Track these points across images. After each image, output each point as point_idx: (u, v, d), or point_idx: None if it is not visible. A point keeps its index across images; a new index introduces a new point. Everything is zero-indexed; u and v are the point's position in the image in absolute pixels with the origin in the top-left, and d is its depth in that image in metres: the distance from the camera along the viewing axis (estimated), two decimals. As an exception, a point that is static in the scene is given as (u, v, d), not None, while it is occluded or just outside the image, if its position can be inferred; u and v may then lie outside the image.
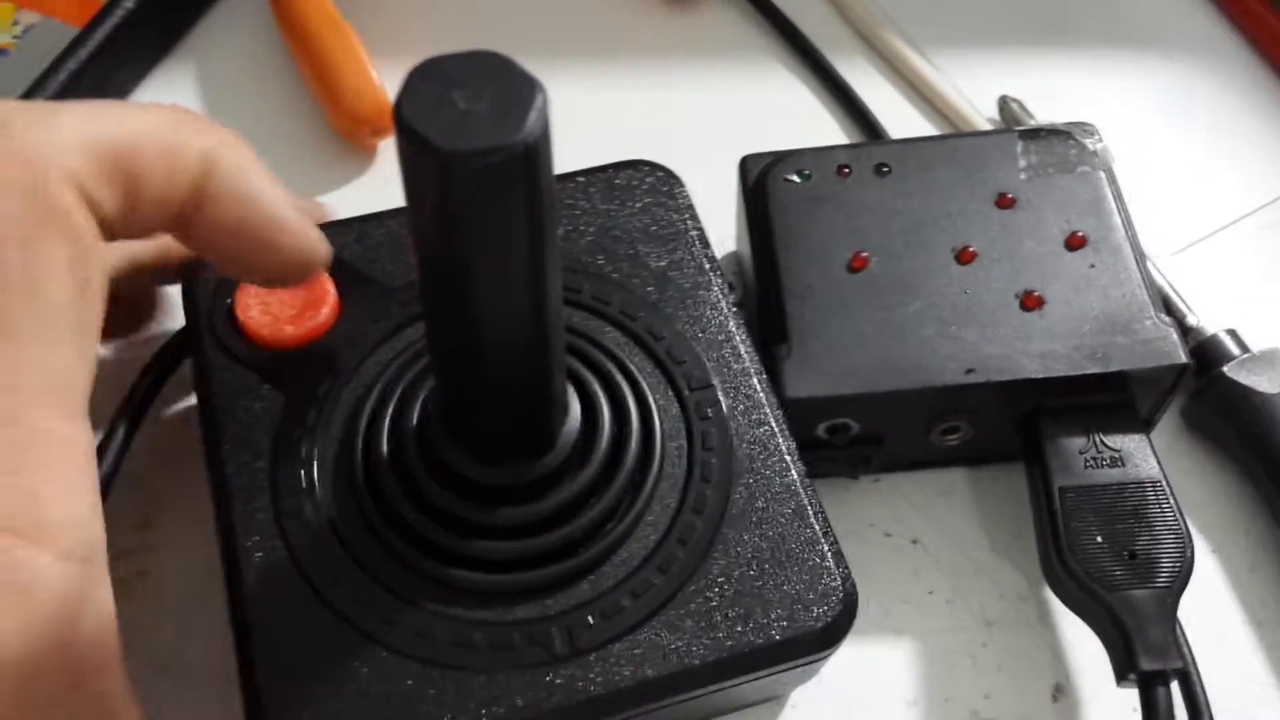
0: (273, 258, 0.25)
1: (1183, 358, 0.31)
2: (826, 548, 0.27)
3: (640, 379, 0.28)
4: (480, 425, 0.25)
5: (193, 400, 0.30)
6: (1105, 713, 0.31)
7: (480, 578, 0.25)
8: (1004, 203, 0.34)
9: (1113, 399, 0.32)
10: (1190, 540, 0.30)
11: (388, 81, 0.40)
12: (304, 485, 0.27)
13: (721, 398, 0.29)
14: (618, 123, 0.42)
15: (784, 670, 0.26)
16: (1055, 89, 0.44)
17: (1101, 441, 0.31)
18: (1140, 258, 0.33)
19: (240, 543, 0.26)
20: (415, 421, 0.27)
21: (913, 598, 0.32)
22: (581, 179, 0.32)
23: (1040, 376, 0.31)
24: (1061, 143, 0.35)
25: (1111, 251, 0.33)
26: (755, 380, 0.29)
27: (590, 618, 0.25)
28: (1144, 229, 0.34)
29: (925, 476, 0.34)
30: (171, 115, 0.24)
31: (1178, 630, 0.29)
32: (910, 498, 0.34)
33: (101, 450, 0.31)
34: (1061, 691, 0.31)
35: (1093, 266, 0.32)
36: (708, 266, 0.31)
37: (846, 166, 0.34)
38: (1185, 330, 0.35)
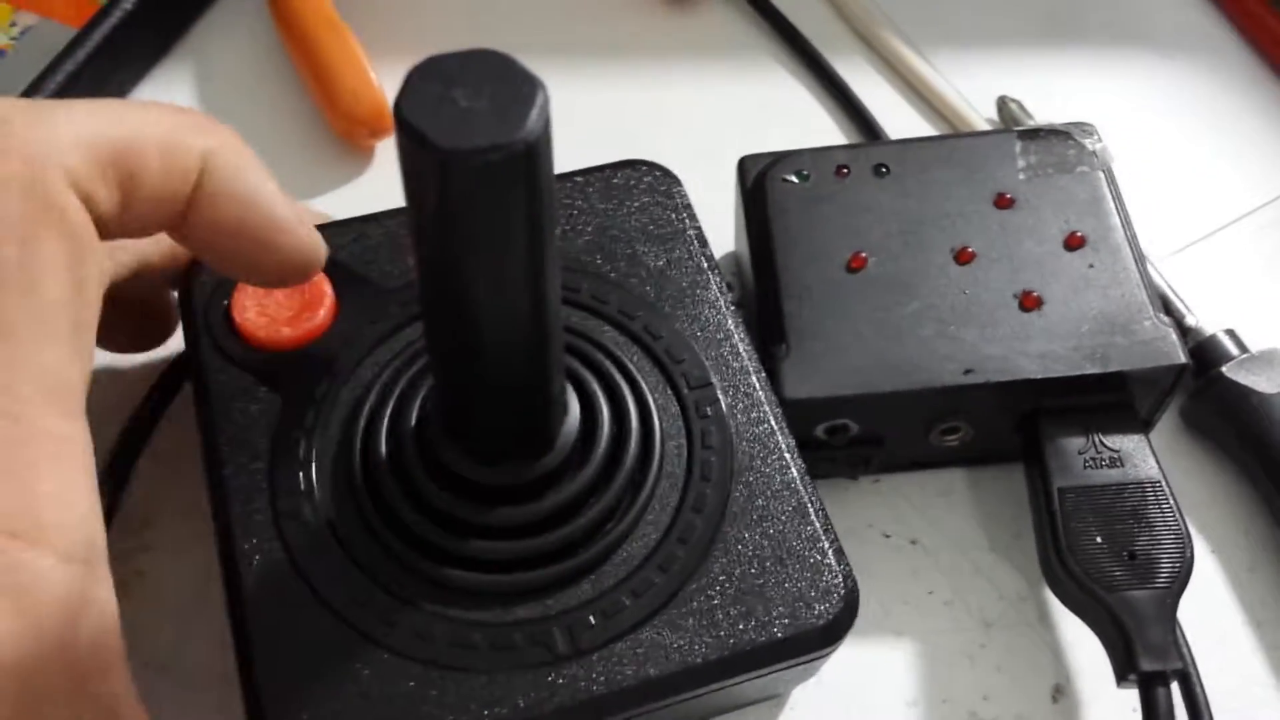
0: (271, 258, 0.25)
1: (1182, 358, 0.31)
2: (827, 545, 0.27)
3: (639, 378, 0.28)
4: (479, 425, 0.25)
5: (191, 402, 0.29)
6: (1105, 713, 0.31)
7: (480, 578, 0.25)
8: (1003, 203, 0.34)
9: (1112, 399, 0.32)
10: (1190, 541, 0.30)
11: (386, 83, 0.40)
12: (302, 486, 0.27)
13: (720, 396, 0.28)
14: (616, 123, 0.42)
15: (786, 668, 0.26)
16: (1054, 89, 0.44)
17: (1101, 442, 0.31)
18: (1139, 258, 0.33)
19: (239, 544, 0.26)
20: (414, 422, 0.27)
21: (912, 598, 0.32)
22: (579, 178, 0.32)
23: (1039, 377, 0.31)
24: (1060, 143, 0.35)
25: (1110, 252, 0.33)
26: (754, 378, 0.29)
27: (591, 617, 0.25)
28: (1143, 229, 0.34)
29: (924, 477, 0.34)
30: (171, 114, 0.23)
31: (1177, 631, 0.29)
32: (909, 498, 0.34)
33: (108, 469, 0.32)
34: (1061, 692, 0.31)
35: (1092, 267, 0.32)
36: (706, 265, 0.31)
37: (845, 167, 0.34)
38: (1184, 330, 0.35)
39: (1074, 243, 0.33)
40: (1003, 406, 0.32)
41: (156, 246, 0.29)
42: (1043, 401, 0.32)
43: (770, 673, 0.26)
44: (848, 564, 0.27)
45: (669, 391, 0.29)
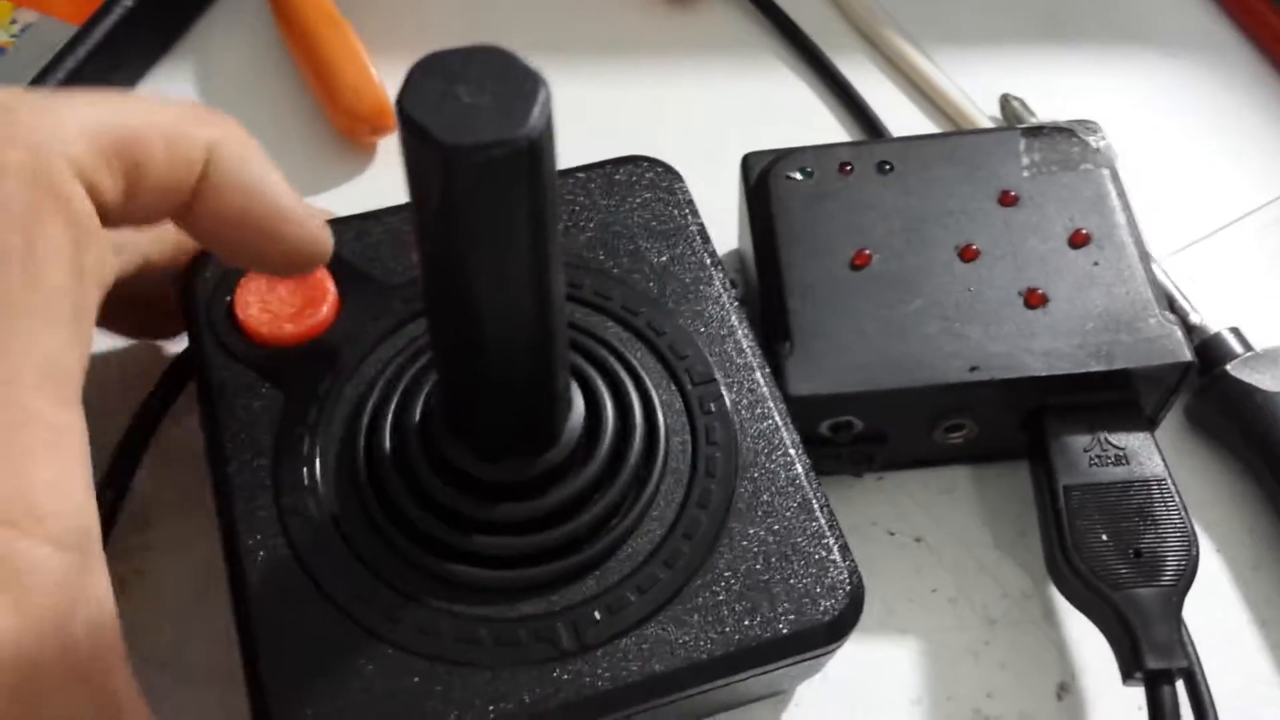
0: (276, 248, 0.25)
1: (1187, 356, 0.31)
2: (833, 541, 0.27)
3: (643, 374, 0.28)
4: (483, 422, 0.25)
5: (193, 399, 0.29)
6: (1110, 712, 0.31)
7: (484, 574, 0.25)
8: (1007, 200, 0.34)
9: (1117, 397, 0.32)
10: (1195, 539, 0.30)
11: (387, 79, 0.40)
12: (306, 482, 0.26)
13: (725, 392, 0.28)
14: (619, 121, 0.42)
15: (791, 664, 0.26)
16: (1056, 87, 0.44)
17: (1106, 440, 0.31)
18: (1144, 255, 0.33)
19: (243, 540, 0.26)
20: (418, 418, 0.27)
21: (916, 596, 0.32)
22: (581, 174, 0.32)
23: (1044, 374, 0.31)
24: (1065, 140, 0.35)
25: (1115, 249, 0.33)
26: (758, 374, 0.29)
27: (596, 613, 0.25)
28: (1146, 227, 0.34)
29: (929, 474, 0.34)
30: (176, 106, 0.24)
31: (1183, 629, 0.29)
32: (914, 496, 0.34)
33: (111, 467, 0.31)
34: (1066, 690, 0.31)
35: (1096, 264, 0.32)
36: (709, 262, 0.31)
37: (848, 164, 0.34)
38: (1189, 328, 0.35)
39: (1079, 240, 0.33)
40: (1007, 404, 0.32)
41: (159, 245, 0.29)
42: (1048, 399, 0.31)
43: (775, 669, 0.26)
44: (853, 560, 0.27)
45: (673, 388, 0.29)
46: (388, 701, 0.24)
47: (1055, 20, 0.46)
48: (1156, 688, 0.28)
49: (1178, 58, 0.45)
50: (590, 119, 0.41)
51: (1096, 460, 0.31)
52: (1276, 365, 0.34)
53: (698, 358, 0.29)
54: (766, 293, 0.33)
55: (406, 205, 0.31)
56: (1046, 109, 0.42)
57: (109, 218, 0.22)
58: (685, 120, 0.42)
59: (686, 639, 0.25)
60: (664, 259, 0.31)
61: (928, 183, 0.34)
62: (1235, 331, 0.35)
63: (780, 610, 0.26)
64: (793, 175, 0.34)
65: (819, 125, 0.43)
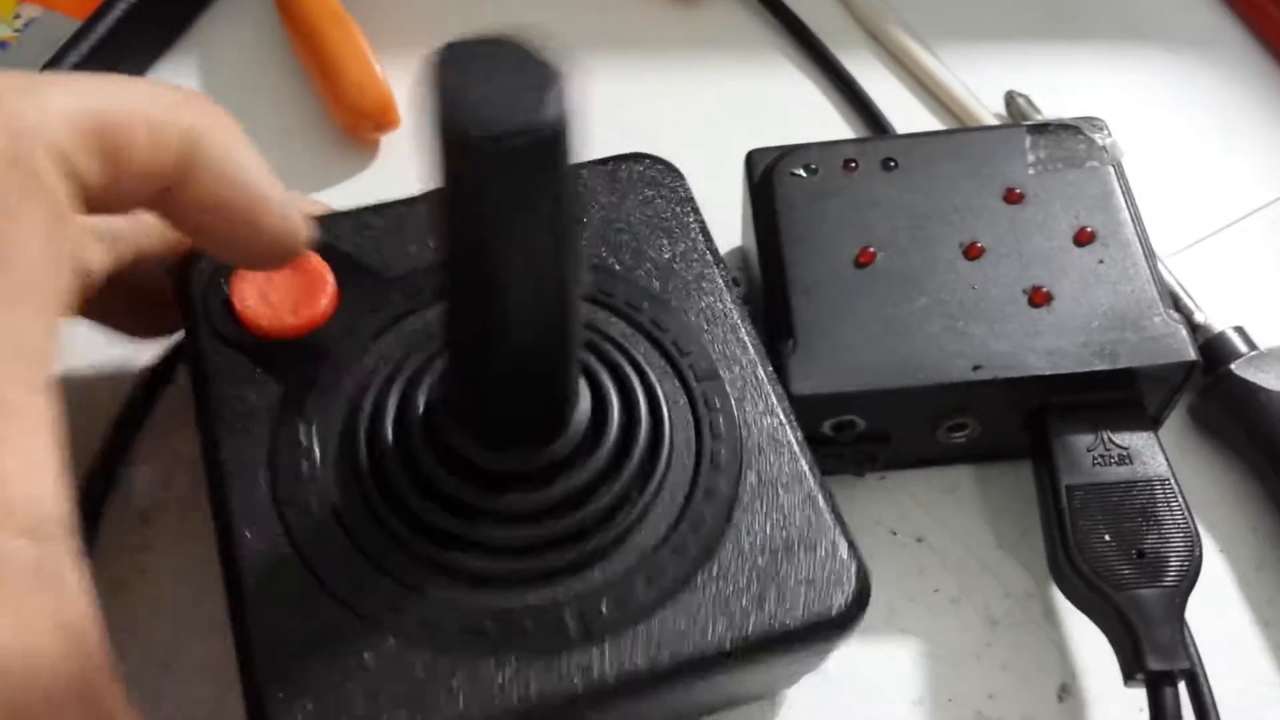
0: (255, 237, 0.25)
1: (1192, 355, 0.31)
2: (838, 533, 0.26)
3: (647, 370, 0.28)
4: (494, 411, 0.25)
5: (191, 399, 0.29)
6: (1111, 713, 0.31)
7: (489, 564, 0.25)
8: (1012, 198, 0.33)
9: (1120, 396, 0.31)
10: (1199, 539, 0.30)
11: (390, 76, 0.40)
12: (305, 474, 0.26)
13: (728, 387, 0.28)
14: (624, 118, 0.41)
15: (798, 655, 0.26)
16: (1061, 84, 0.43)
17: (1109, 439, 0.31)
18: (1149, 253, 0.33)
19: (239, 532, 0.26)
20: (421, 409, 0.26)
21: (918, 596, 0.32)
22: (582, 171, 0.32)
23: (1048, 373, 0.31)
24: (1070, 137, 0.35)
25: (1120, 247, 0.32)
26: (761, 370, 0.29)
27: (604, 603, 0.25)
28: (1151, 225, 0.34)
29: (931, 474, 0.34)
30: (162, 90, 0.23)
31: (1185, 630, 0.29)
32: (916, 495, 0.34)
33: (99, 461, 0.31)
34: (1067, 691, 0.31)
35: (1101, 262, 0.32)
36: (710, 259, 0.31)
37: (853, 161, 0.34)
38: (1193, 327, 0.35)
39: (1084, 238, 0.33)
40: (1011, 403, 0.32)
41: (153, 236, 0.29)
42: (1051, 398, 0.31)
43: (781, 660, 0.26)
44: (859, 552, 0.26)
45: (677, 383, 0.28)
46: (390, 694, 0.24)
47: (1061, 17, 0.46)
48: (1158, 689, 0.28)
49: (1183, 54, 0.45)
50: (596, 117, 0.41)
51: (1100, 460, 0.31)
52: (1281, 365, 0.34)
53: (701, 354, 0.29)
54: (770, 290, 0.33)
55: (408, 199, 0.31)
56: (1052, 106, 0.42)
57: (90, 203, 0.22)
58: (690, 117, 0.42)
59: (693, 630, 0.25)
60: (666, 256, 0.31)
61: (932, 180, 0.34)
62: (1240, 330, 0.35)
63: (786, 602, 0.25)
64: (797, 172, 0.34)
65: (824, 122, 0.43)
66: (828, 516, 0.27)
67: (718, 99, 0.43)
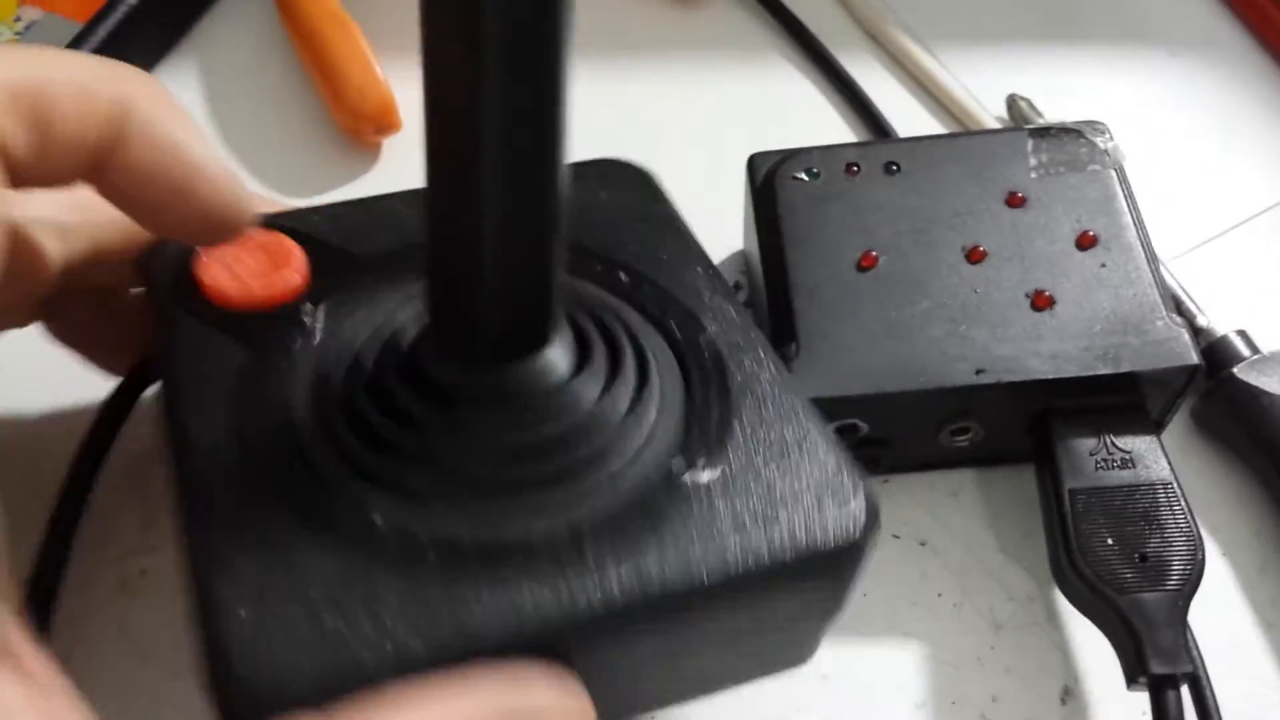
0: (190, 207, 0.24)
1: (1194, 359, 0.31)
2: (839, 460, 0.25)
3: (629, 319, 0.27)
4: (471, 303, 0.23)
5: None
6: (1114, 716, 0.31)
7: (467, 491, 0.23)
8: (1014, 201, 0.33)
9: (1123, 400, 0.31)
10: (1201, 543, 0.30)
11: (392, 79, 0.40)
12: (273, 425, 0.25)
13: (709, 325, 0.27)
14: (624, 121, 0.41)
15: (805, 590, 0.24)
16: (1062, 87, 0.43)
17: (1112, 443, 0.31)
18: (1151, 257, 0.33)
19: (197, 468, 0.24)
20: (399, 353, 0.25)
21: (921, 599, 0.32)
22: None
23: (1051, 377, 0.31)
24: (1072, 141, 0.35)
25: (1123, 251, 0.32)
26: (731, 309, 0.28)
27: (591, 531, 0.23)
28: (1154, 228, 0.34)
29: (934, 477, 0.34)
30: (90, 60, 0.23)
31: (1188, 633, 0.29)
32: (919, 499, 0.34)
33: (67, 487, 0.30)
34: (1070, 694, 0.31)
35: (1104, 266, 0.32)
36: (697, 250, 0.30)
37: (855, 165, 0.34)
38: (1196, 331, 0.35)
39: (1086, 242, 0.33)
40: (1014, 407, 0.32)
41: (108, 228, 0.28)
42: (1054, 402, 0.31)
43: (784, 595, 0.24)
44: (863, 475, 0.25)
45: (661, 336, 0.27)
46: (365, 626, 0.22)
47: (1062, 20, 0.46)
48: (1161, 692, 0.28)
49: (1184, 57, 0.45)
50: (594, 118, 0.41)
51: (1102, 464, 0.31)
52: (1284, 368, 0.34)
53: (682, 310, 0.28)
54: (772, 294, 0.33)
55: (380, 195, 0.30)
56: (1053, 109, 0.42)
57: (20, 174, 0.22)
58: (691, 120, 0.42)
59: (686, 560, 0.23)
60: (647, 245, 0.29)
61: (934, 184, 0.34)
62: (1242, 334, 0.35)
63: (787, 529, 0.23)
64: (799, 176, 0.34)
65: (825, 125, 0.43)
66: (823, 445, 0.25)
67: (719, 102, 0.43)
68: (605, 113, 0.41)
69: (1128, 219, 0.33)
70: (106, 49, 0.40)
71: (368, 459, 0.24)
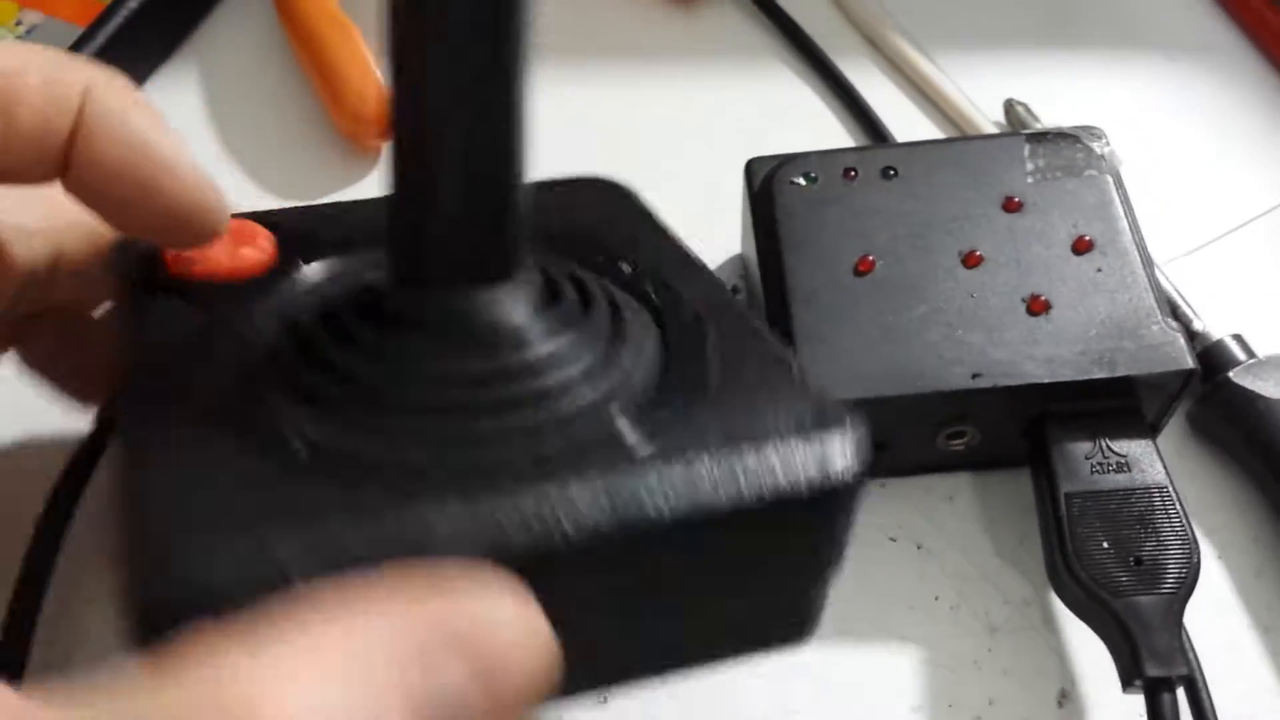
0: (156, 202, 0.23)
1: (1190, 363, 0.31)
2: (824, 404, 0.23)
3: (608, 285, 0.26)
4: (429, 219, 0.22)
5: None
6: (1111, 719, 0.31)
7: (401, 411, 0.22)
8: (1011, 206, 0.34)
9: (1119, 404, 0.32)
10: (1196, 546, 0.30)
11: (392, 82, 0.40)
12: (225, 367, 0.24)
13: (687, 291, 0.26)
14: (620, 125, 0.42)
15: (786, 534, 0.22)
16: (1060, 92, 0.44)
17: (1108, 447, 0.31)
18: (1147, 262, 0.33)
19: (135, 404, 0.23)
20: (362, 293, 0.24)
21: (918, 603, 0.32)
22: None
23: (1047, 381, 0.31)
24: (1069, 146, 0.35)
25: (1119, 256, 0.33)
26: (714, 280, 0.27)
27: (522, 459, 0.21)
28: (1151, 232, 0.34)
29: (930, 481, 0.34)
30: (53, 53, 0.23)
31: (1183, 636, 0.29)
32: (915, 502, 0.34)
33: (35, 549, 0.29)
34: (1066, 697, 0.31)
35: (1100, 271, 0.32)
36: (681, 246, 0.29)
37: (852, 169, 0.34)
38: (1192, 335, 0.35)
39: (1082, 247, 0.33)
40: (1010, 411, 0.32)
41: (72, 232, 0.27)
42: (1050, 406, 0.31)
43: (765, 537, 0.22)
44: (850, 408, 0.23)
45: (637, 302, 0.26)
46: (258, 521, 0.20)
47: (1059, 25, 0.46)
48: (1156, 695, 0.28)
49: (1181, 62, 0.45)
50: (591, 123, 0.41)
51: (1098, 467, 0.31)
52: (1279, 372, 0.34)
53: (662, 283, 0.27)
54: (770, 298, 0.33)
55: (352, 201, 0.30)
56: (1051, 113, 0.42)
57: None
58: (688, 124, 0.42)
59: (639, 491, 0.21)
60: (634, 245, 0.28)
61: (932, 188, 0.34)
62: (1238, 338, 0.35)
63: (767, 469, 0.21)
64: (796, 181, 0.34)
65: (823, 130, 0.43)
66: (812, 391, 0.23)
67: (716, 107, 0.43)
68: (602, 117, 0.41)
69: (1123, 224, 0.33)
70: (107, 53, 0.40)
71: (304, 376, 0.23)
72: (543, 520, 0.20)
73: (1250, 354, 0.35)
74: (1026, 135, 0.35)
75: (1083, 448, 0.31)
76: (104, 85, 0.23)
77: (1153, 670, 0.28)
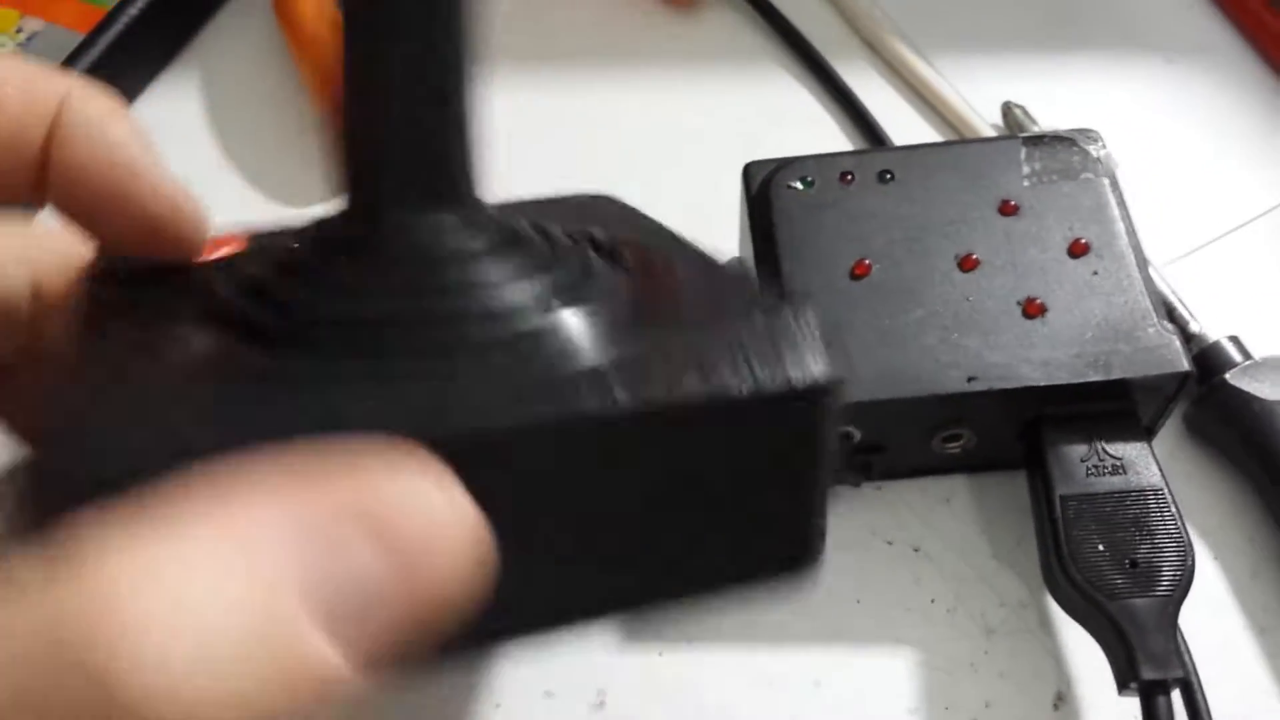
0: (135, 208, 0.23)
1: (1185, 366, 0.31)
2: (795, 320, 0.21)
3: (582, 244, 0.25)
4: (378, 141, 0.22)
5: None
6: (1107, 721, 0.31)
7: (325, 335, 0.21)
8: (1007, 210, 0.34)
9: (1115, 407, 0.32)
10: (1191, 549, 0.30)
11: (391, 88, 0.40)
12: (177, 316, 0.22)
13: (671, 248, 0.26)
14: (619, 130, 0.42)
15: (749, 439, 0.21)
16: (1058, 95, 0.44)
17: (1103, 449, 0.31)
18: (1143, 265, 0.33)
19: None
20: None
21: (914, 605, 0.32)
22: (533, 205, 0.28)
23: (1042, 384, 0.31)
24: (1065, 149, 0.35)
25: (1114, 259, 0.33)
26: (676, 235, 0.27)
27: (498, 359, 0.20)
28: (1147, 234, 0.34)
29: (927, 484, 0.34)
30: (28, 63, 0.23)
31: (1179, 638, 0.29)
32: (912, 505, 0.34)
33: None
34: (1063, 700, 0.31)
35: (1095, 274, 0.32)
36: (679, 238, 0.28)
37: (850, 173, 0.35)
38: (1188, 337, 0.35)
39: (1078, 250, 0.33)
40: (1006, 414, 0.32)
41: (46, 255, 0.26)
42: (1045, 409, 0.32)
43: (728, 441, 0.21)
44: (829, 343, 0.21)
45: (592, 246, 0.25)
46: (163, 403, 0.19)
47: (1057, 27, 0.46)
48: (1152, 698, 0.28)
49: (1178, 64, 0.45)
50: (589, 129, 0.41)
51: (1093, 470, 0.31)
52: (1275, 374, 0.34)
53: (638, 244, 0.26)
54: (766, 302, 0.33)
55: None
56: (1049, 116, 0.42)
57: None
58: (685, 128, 0.42)
59: (578, 387, 0.19)
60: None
61: (928, 192, 0.34)
62: (1234, 340, 0.36)
63: (730, 373, 0.20)
64: (794, 184, 0.34)
65: (821, 133, 0.43)
66: (785, 310, 0.22)
67: (714, 110, 0.43)
68: (600, 121, 0.41)
69: (1119, 227, 0.33)
70: (108, 60, 0.41)
71: (250, 315, 0.21)
72: (477, 409, 0.18)
73: (1246, 355, 0.35)
74: (1023, 138, 0.35)
75: (1078, 450, 0.31)
76: (81, 94, 0.23)
77: (1148, 673, 0.28)
